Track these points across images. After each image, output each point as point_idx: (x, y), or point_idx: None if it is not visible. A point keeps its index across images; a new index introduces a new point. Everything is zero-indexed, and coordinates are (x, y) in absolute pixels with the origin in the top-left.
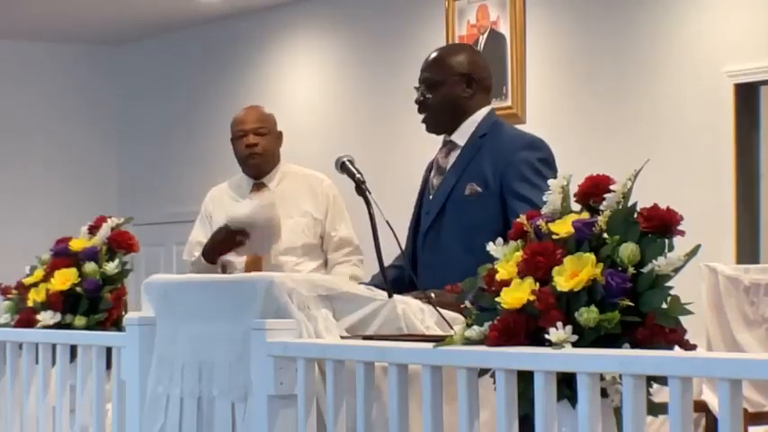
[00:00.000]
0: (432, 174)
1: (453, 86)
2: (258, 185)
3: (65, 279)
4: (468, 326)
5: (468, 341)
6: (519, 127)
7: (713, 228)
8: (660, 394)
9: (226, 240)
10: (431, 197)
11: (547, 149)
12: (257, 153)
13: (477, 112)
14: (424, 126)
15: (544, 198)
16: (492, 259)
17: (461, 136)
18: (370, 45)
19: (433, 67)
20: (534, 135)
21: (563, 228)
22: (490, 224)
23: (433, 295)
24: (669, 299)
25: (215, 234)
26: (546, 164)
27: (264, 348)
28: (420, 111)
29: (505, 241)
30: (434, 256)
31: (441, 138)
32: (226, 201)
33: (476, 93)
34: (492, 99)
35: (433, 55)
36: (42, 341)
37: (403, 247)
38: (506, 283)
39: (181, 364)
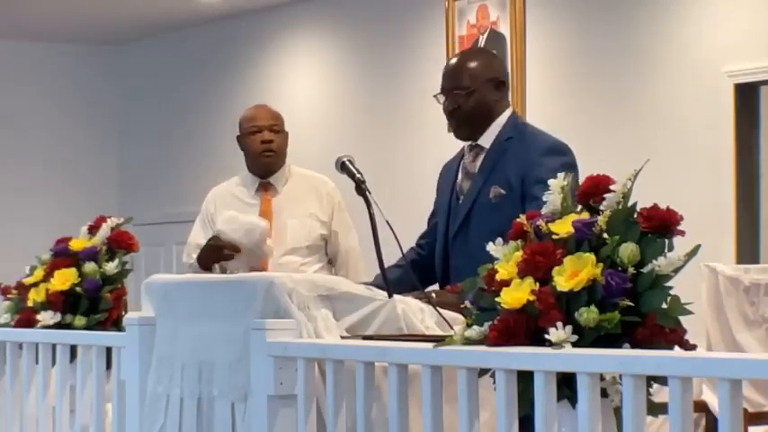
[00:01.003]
0: (460, 178)
1: (485, 92)
2: (264, 185)
3: (65, 279)
4: (468, 326)
5: (468, 341)
6: None
7: (713, 228)
8: (660, 394)
9: (216, 250)
10: (460, 202)
11: (570, 154)
12: (273, 150)
13: (501, 114)
14: (453, 134)
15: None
16: None
17: (487, 139)
18: (370, 45)
19: (462, 75)
20: (558, 139)
21: (563, 228)
22: None
23: (433, 295)
24: (669, 299)
25: (208, 241)
26: (569, 168)
27: (264, 348)
28: (451, 118)
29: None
30: (463, 260)
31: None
32: (229, 200)
33: (503, 95)
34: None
35: (458, 62)
36: (42, 341)
37: (403, 247)
38: (506, 283)
39: (181, 364)
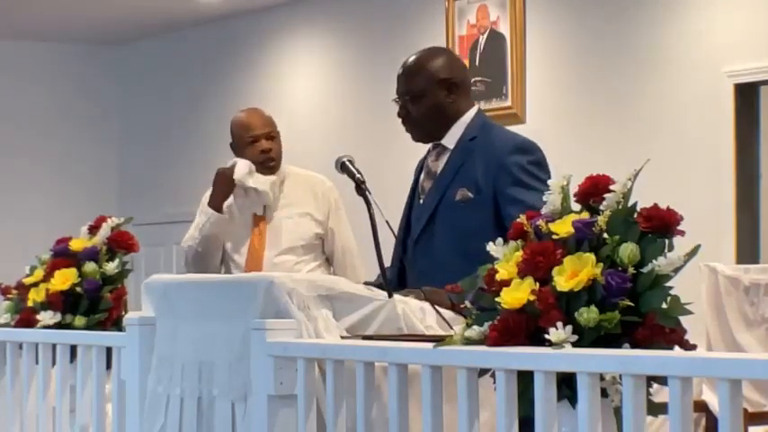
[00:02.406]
0: (422, 177)
1: (435, 95)
2: None
3: (65, 279)
4: (468, 326)
5: (468, 341)
6: (519, 127)
7: (713, 228)
8: (660, 394)
9: (222, 176)
10: (421, 202)
11: (538, 151)
12: (273, 158)
13: (464, 114)
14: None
15: (543, 198)
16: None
17: (450, 139)
18: (370, 45)
19: (412, 78)
20: (525, 137)
21: (563, 228)
22: (484, 229)
23: (422, 293)
24: (669, 299)
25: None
26: (538, 166)
27: (264, 348)
28: (404, 124)
29: (505, 242)
30: (428, 262)
31: None
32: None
33: (457, 97)
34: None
35: (406, 67)
36: (42, 341)
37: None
38: (506, 283)
39: (181, 364)
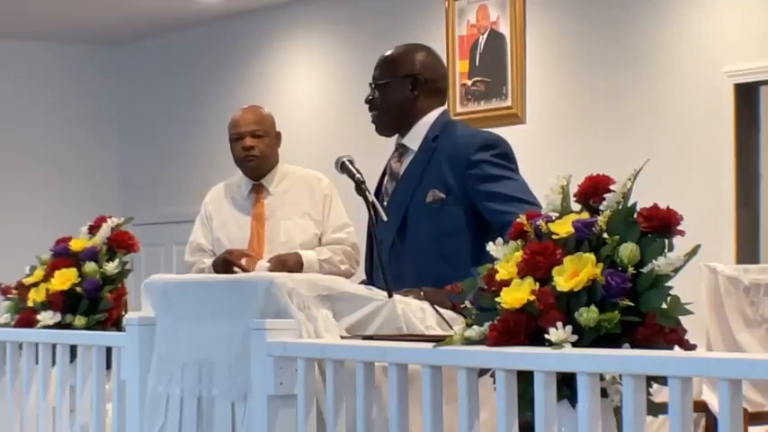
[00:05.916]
0: (385, 179)
1: (399, 87)
2: (257, 187)
3: (65, 279)
4: (468, 326)
5: (468, 341)
6: (519, 127)
7: (713, 228)
8: (660, 394)
9: (227, 265)
10: (385, 203)
11: (504, 145)
12: (254, 156)
13: (428, 114)
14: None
15: (518, 184)
16: (470, 263)
17: (414, 140)
18: (371, 45)
19: (382, 67)
20: (490, 133)
21: (563, 228)
22: (460, 229)
23: (422, 293)
24: (669, 299)
25: (223, 254)
26: (505, 158)
27: (264, 348)
28: (370, 110)
29: (505, 242)
30: (403, 266)
31: None
32: (226, 202)
33: (422, 94)
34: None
35: (385, 54)
36: (42, 341)
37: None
38: (506, 283)
39: (181, 364)
